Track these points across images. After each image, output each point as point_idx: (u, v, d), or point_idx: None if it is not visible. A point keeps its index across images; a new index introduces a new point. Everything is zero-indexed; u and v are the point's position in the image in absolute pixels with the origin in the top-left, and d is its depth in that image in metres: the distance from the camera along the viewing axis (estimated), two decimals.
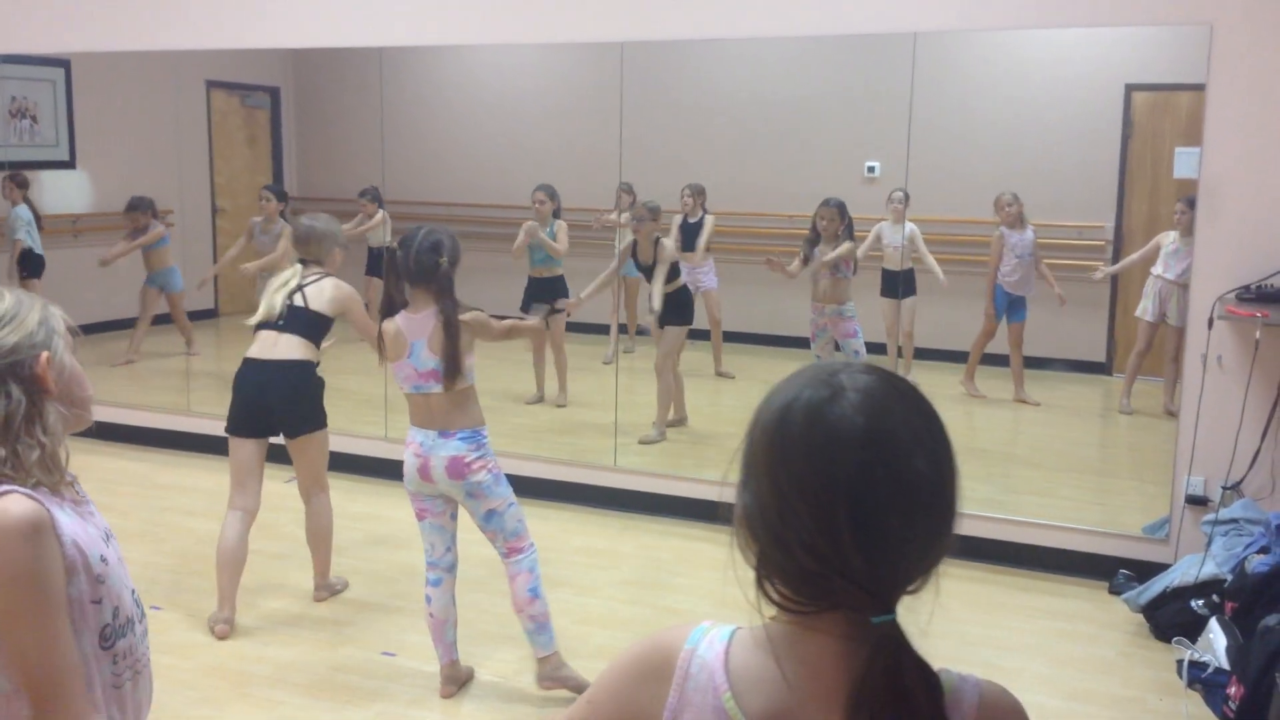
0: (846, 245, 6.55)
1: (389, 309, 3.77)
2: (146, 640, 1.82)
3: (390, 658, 4.18)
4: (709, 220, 7.50)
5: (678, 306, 6.83)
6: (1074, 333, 7.14)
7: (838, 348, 6.72)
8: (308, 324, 4.50)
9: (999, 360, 7.09)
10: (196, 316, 8.47)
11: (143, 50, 6.76)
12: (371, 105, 7.04)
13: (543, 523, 5.71)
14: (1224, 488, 4.71)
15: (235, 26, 6.47)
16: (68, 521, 1.64)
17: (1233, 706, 3.53)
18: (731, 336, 7.97)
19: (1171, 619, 4.35)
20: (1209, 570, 4.35)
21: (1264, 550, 4.19)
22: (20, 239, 7.98)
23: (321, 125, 9.17)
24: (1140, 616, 4.54)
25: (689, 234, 7.45)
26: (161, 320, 8.28)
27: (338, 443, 6.49)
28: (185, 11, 6.56)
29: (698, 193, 7.49)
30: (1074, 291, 6.95)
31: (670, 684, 1.20)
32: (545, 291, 7.35)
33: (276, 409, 4.53)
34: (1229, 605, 4.14)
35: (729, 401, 7.67)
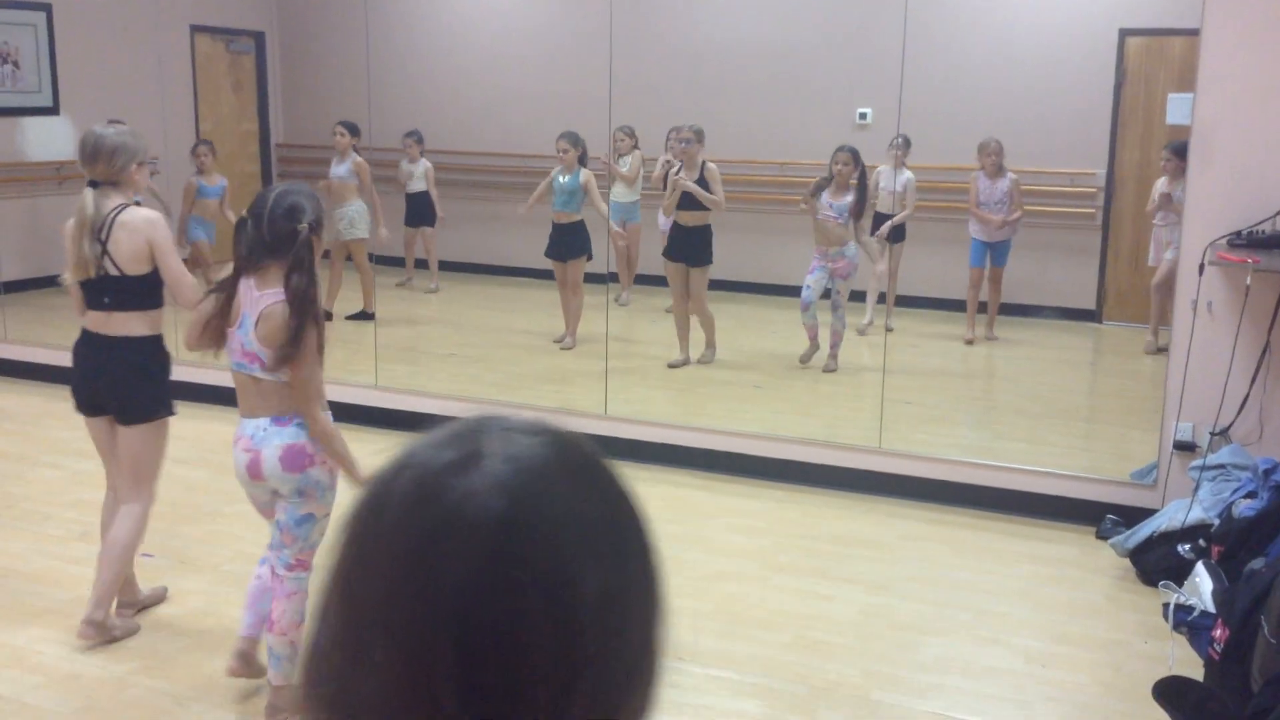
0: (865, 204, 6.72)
1: (234, 285, 3.27)
2: None
3: None
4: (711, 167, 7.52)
5: (706, 245, 6.94)
6: (1064, 280, 7.14)
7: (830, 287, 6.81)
8: (133, 293, 3.81)
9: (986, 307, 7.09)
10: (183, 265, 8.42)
11: None
12: (358, 49, 6.95)
13: None
14: (1212, 433, 4.73)
15: None
16: None
17: (1218, 649, 3.57)
18: (719, 284, 7.96)
19: (1158, 563, 4.39)
20: (1196, 515, 4.38)
21: (1251, 495, 4.21)
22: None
23: (308, 70, 9.07)
24: (1127, 561, 4.57)
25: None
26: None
27: (328, 390, 6.48)
28: None
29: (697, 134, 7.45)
30: (1064, 239, 6.94)
31: None
32: (568, 236, 7.35)
33: (109, 390, 3.88)
34: (1215, 549, 4.17)
35: (719, 349, 7.66)
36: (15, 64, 7.79)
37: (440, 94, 8.87)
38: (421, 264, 8.71)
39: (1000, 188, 6.79)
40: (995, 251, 6.94)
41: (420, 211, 8.43)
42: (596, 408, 6.09)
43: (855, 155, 6.61)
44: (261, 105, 9.07)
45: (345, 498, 3.46)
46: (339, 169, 7.80)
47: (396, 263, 8.58)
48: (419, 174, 8.36)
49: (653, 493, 5.36)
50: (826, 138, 7.34)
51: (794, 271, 7.16)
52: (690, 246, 6.90)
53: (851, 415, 6.11)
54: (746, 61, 7.85)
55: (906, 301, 7.36)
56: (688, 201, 6.87)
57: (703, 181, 6.82)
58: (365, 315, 7.82)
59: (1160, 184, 6.26)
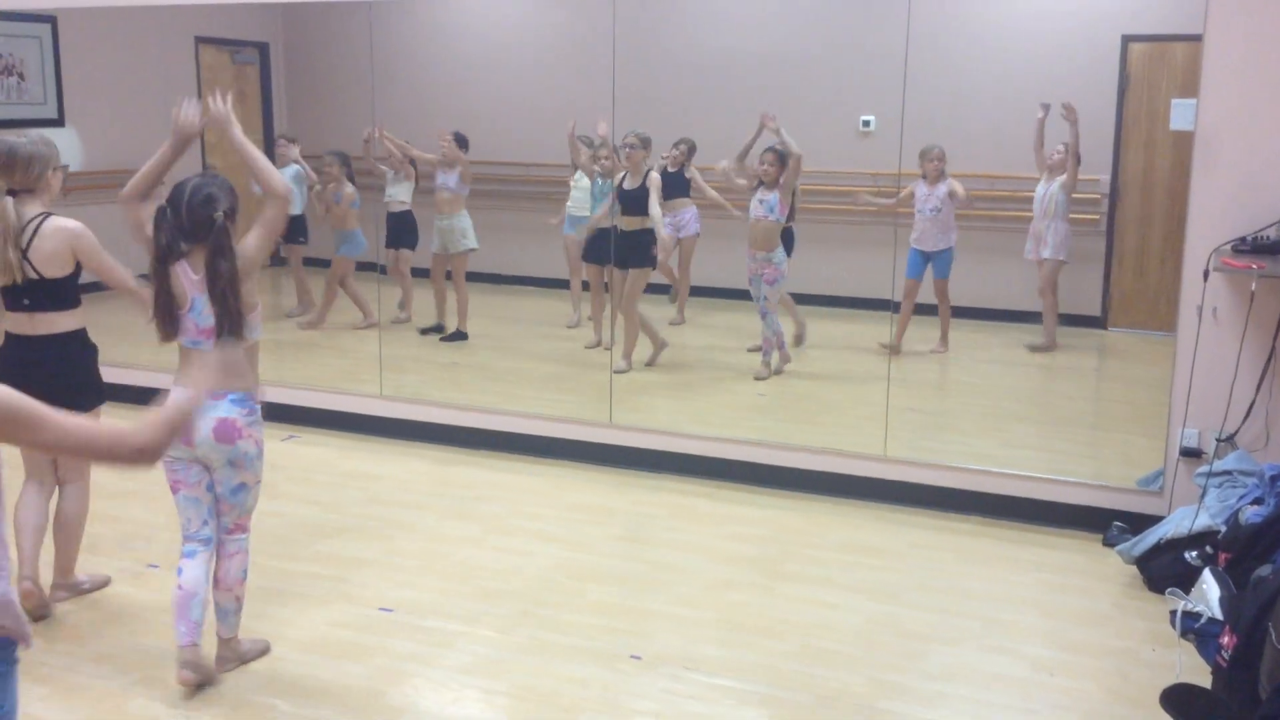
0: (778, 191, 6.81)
1: (163, 265, 3.47)
2: None
3: (388, 613, 4.20)
4: (654, 176, 7.51)
5: (643, 249, 6.98)
6: (1069, 287, 7.12)
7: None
8: (51, 295, 3.98)
9: (996, 315, 7.08)
10: None
11: (130, 6, 6.67)
12: (361, 60, 6.97)
13: (536, 479, 5.72)
14: (1218, 440, 4.72)
15: None
16: None
17: (1226, 656, 3.55)
18: (724, 293, 7.95)
19: (1165, 570, 4.37)
20: (1203, 522, 4.36)
21: (1258, 501, 4.20)
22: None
23: (311, 81, 9.09)
24: (1134, 568, 4.56)
25: (670, 184, 7.48)
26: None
27: (334, 400, 6.51)
28: None
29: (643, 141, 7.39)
30: (1068, 245, 6.92)
31: None
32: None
33: (47, 392, 4.14)
34: (1222, 556, 4.16)
35: (723, 358, 7.65)
36: (20, 76, 7.81)
37: (443, 104, 8.88)
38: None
39: (938, 194, 6.86)
40: (936, 262, 6.97)
41: (400, 232, 8.17)
42: (601, 415, 6.08)
43: (780, 155, 6.74)
44: (266, 116, 9.08)
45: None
46: (448, 179, 7.77)
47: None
48: (404, 190, 8.16)
49: (657, 500, 5.39)
50: (830, 145, 7.35)
51: (799, 279, 7.17)
52: (629, 250, 6.97)
53: (856, 423, 6.10)
54: (750, 70, 7.86)
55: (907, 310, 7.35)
56: (629, 206, 6.95)
57: (643, 188, 6.92)
58: (460, 335, 7.82)
59: (1042, 181, 6.62)
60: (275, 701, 3.59)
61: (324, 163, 7.98)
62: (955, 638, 4.07)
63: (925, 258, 6.99)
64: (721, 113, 7.90)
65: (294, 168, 8.02)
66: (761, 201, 6.83)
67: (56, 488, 4.24)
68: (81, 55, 7.95)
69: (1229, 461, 4.59)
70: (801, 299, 7.36)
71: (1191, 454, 4.84)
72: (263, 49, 8.94)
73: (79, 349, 4.08)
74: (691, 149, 7.57)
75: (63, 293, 4.00)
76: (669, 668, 3.80)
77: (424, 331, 7.84)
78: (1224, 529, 4.26)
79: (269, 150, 8.21)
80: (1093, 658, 3.94)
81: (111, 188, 8.50)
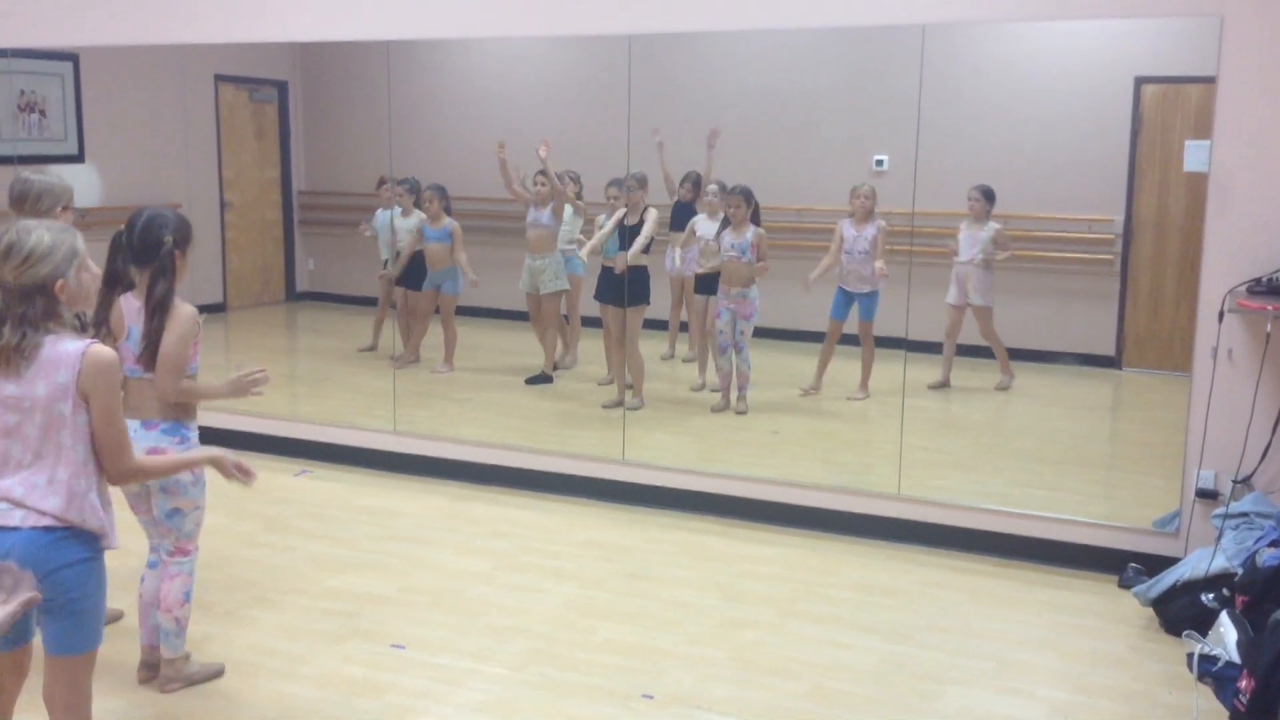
0: (754, 230, 6.83)
1: (110, 289, 3.63)
2: None
3: (399, 650, 4.19)
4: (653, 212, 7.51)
5: (639, 286, 7.00)
6: (1083, 327, 7.11)
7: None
8: None
9: (1015, 355, 7.06)
10: (205, 310, 8.47)
11: (151, 44, 6.76)
12: (379, 99, 7.04)
13: (549, 515, 5.72)
14: (1234, 481, 4.69)
15: (243, 20, 6.47)
16: None
17: (1243, 700, 3.52)
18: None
19: (1182, 613, 4.34)
20: (1219, 564, 4.33)
21: (1275, 544, 4.17)
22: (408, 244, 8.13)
23: (329, 119, 9.18)
24: (1150, 610, 4.53)
25: (684, 217, 7.50)
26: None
27: (347, 435, 6.52)
28: (193, 6, 6.56)
29: (640, 181, 7.40)
30: (1082, 285, 6.94)
31: None
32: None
33: None
34: (1240, 599, 4.13)
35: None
36: (42, 113, 7.89)
37: (460, 144, 8.95)
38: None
39: (866, 235, 6.83)
40: (862, 304, 6.93)
41: (441, 275, 8.13)
42: (614, 453, 6.08)
43: (747, 195, 6.80)
44: (284, 153, 9.16)
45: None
46: (540, 215, 7.75)
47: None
48: (409, 228, 8.12)
49: (669, 538, 5.37)
50: (844, 184, 7.34)
51: (814, 317, 7.17)
52: (623, 287, 6.94)
53: (869, 461, 6.09)
54: (764, 108, 7.90)
55: (923, 347, 7.33)
56: (624, 242, 6.93)
57: (641, 226, 6.93)
58: (544, 378, 7.71)
59: (963, 225, 6.70)
60: None
61: (424, 197, 7.97)
62: (969, 679, 4.04)
63: (850, 299, 6.97)
64: (737, 151, 7.94)
65: (415, 215, 8.11)
66: (734, 245, 6.79)
67: None
68: (102, 93, 8.04)
69: (1245, 503, 4.56)
70: (818, 337, 7.34)
71: (1208, 495, 4.81)
72: (281, 88, 9.03)
73: None
74: (696, 183, 7.59)
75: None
76: (681, 707, 3.78)
77: (529, 381, 7.84)
78: (1241, 571, 4.23)
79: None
80: (1109, 700, 3.90)
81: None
